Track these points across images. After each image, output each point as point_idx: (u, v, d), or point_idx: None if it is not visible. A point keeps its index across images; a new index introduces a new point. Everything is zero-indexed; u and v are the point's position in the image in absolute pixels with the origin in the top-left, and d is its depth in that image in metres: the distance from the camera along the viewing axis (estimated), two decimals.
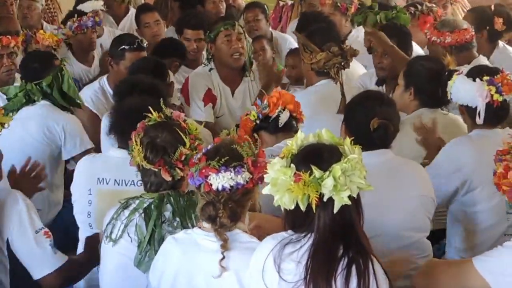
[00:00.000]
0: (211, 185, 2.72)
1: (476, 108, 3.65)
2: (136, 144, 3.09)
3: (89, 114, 4.94)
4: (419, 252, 3.37)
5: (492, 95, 3.60)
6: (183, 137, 3.07)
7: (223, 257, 2.70)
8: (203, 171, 2.72)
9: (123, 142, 3.51)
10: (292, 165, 2.50)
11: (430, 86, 4.11)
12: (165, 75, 4.63)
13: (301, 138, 2.59)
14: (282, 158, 2.54)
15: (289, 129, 3.81)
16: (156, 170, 3.06)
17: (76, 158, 4.37)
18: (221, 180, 2.71)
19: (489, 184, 3.44)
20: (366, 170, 2.52)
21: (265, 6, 6.76)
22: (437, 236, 3.86)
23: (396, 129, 3.46)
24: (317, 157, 2.51)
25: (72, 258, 3.36)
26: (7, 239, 3.24)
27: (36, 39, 5.79)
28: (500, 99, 3.61)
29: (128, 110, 3.59)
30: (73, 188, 3.73)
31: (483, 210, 3.68)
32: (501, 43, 5.75)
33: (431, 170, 3.67)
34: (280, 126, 3.80)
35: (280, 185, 2.48)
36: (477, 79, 3.63)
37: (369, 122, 3.36)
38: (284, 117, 3.79)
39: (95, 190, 3.58)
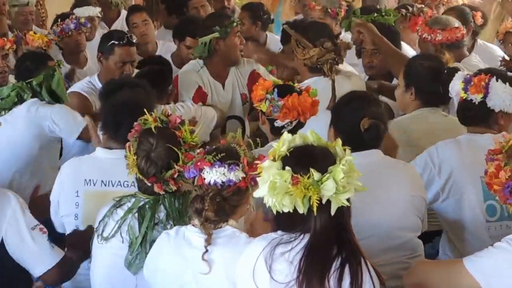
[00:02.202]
0: (204, 179, 2.74)
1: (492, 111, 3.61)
2: (130, 153, 3.08)
3: (79, 97, 4.90)
4: (410, 252, 3.35)
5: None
6: (177, 151, 3.05)
7: (206, 251, 2.72)
8: (198, 164, 2.75)
9: (119, 137, 3.50)
10: (288, 167, 2.47)
11: (431, 85, 4.10)
12: (167, 83, 4.69)
13: (288, 139, 2.57)
14: (272, 160, 2.52)
15: (293, 132, 3.76)
16: (149, 184, 3.06)
17: (83, 137, 4.40)
18: (213, 174, 2.73)
19: (471, 190, 3.46)
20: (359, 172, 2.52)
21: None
22: (430, 236, 3.85)
23: (386, 129, 3.43)
24: (312, 159, 2.49)
25: (66, 253, 3.35)
26: (1, 240, 3.21)
27: (25, 41, 5.78)
28: (464, 96, 3.59)
29: (121, 103, 3.60)
30: (56, 191, 3.68)
31: (465, 217, 3.61)
32: (479, 40, 5.83)
33: None
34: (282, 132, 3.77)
35: (279, 188, 2.45)
36: (460, 72, 3.63)
37: (358, 123, 3.33)
38: (291, 127, 3.73)
39: (82, 192, 3.57)
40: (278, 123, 3.74)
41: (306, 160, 2.48)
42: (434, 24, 5.10)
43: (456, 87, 3.63)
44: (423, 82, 4.13)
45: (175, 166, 3.03)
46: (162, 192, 3.05)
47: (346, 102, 3.50)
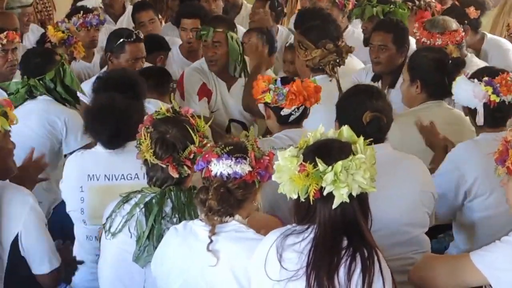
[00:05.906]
0: (211, 171, 2.76)
1: (475, 109, 3.60)
2: (145, 139, 3.09)
3: (85, 108, 4.93)
4: (417, 248, 3.34)
5: (489, 96, 3.53)
6: (193, 134, 3.07)
7: (211, 241, 2.74)
8: (207, 155, 2.78)
9: (101, 142, 3.59)
10: (301, 155, 2.53)
11: (436, 76, 4.09)
12: (168, 81, 4.75)
13: (321, 132, 2.62)
14: (296, 148, 2.58)
15: (297, 122, 3.80)
16: (164, 166, 3.06)
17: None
18: (220, 166, 2.75)
19: (497, 189, 3.41)
20: (375, 173, 2.53)
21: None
22: (436, 231, 3.85)
23: (390, 121, 3.40)
24: (326, 151, 2.53)
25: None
26: (16, 236, 3.24)
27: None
28: (497, 99, 3.54)
29: (97, 109, 3.65)
30: (62, 185, 3.72)
31: (491, 215, 3.59)
32: (489, 35, 5.81)
33: (439, 178, 3.61)
34: (290, 121, 3.79)
35: (284, 173, 2.52)
36: (475, 80, 3.58)
37: (361, 116, 3.30)
38: (298, 114, 3.76)
39: (86, 187, 3.59)
40: (285, 111, 3.76)
41: (320, 152, 2.53)
42: (432, 28, 4.93)
43: (480, 94, 3.54)
44: (428, 74, 4.12)
45: (192, 147, 3.05)
46: (176, 175, 3.05)
47: (349, 96, 3.50)
